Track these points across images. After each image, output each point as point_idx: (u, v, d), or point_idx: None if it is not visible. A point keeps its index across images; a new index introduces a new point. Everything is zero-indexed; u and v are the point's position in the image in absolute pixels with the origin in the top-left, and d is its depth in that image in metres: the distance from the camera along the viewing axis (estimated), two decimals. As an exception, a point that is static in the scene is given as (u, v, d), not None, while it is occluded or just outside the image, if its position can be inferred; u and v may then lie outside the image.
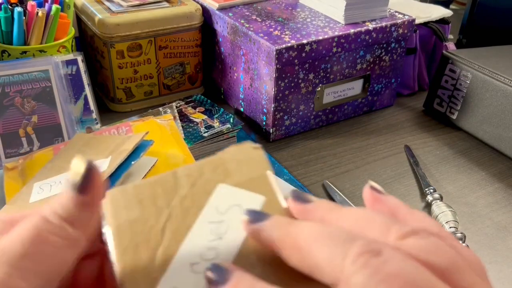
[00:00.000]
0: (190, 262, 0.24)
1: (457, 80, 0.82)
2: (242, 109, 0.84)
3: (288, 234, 0.23)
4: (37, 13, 0.71)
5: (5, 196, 0.58)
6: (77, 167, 0.24)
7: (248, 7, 0.84)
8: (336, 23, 0.78)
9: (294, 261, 0.22)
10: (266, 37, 0.72)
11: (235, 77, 0.83)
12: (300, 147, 0.78)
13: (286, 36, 0.73)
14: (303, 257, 0.22)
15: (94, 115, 0.73)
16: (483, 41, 1.00)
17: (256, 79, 0.77)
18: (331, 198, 0.66)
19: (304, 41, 0.71)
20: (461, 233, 0.59)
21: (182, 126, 0.74)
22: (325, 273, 0.21)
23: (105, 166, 0.54)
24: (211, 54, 0.89)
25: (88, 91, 0.72)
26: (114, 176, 0.54)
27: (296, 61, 0.72)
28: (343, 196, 0.66)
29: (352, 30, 0.75)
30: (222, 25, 0.81)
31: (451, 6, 1.27)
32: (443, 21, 0.92)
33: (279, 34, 0.73)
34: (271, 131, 0.78)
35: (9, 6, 0.72)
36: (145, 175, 0.57)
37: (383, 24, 0.78)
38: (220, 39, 0.84)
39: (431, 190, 0.66)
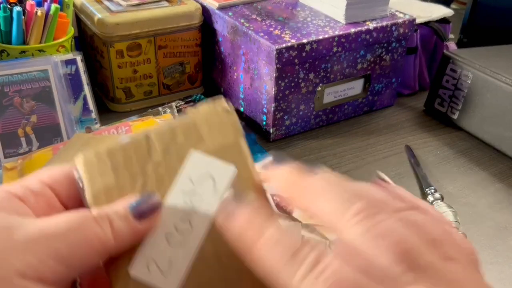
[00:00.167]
0: (165, 232, 0.25)
1: (458, 80, 0.81)
2: (242, 109, 0.84)
3: (300, 183, 0.26)
4: (36, 12, 0.71)
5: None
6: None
7: (248, 6, 0.84)
8: (336, 23, 0.77)
9: (299, 205, 0.26)
10: (266, 37, 0.72)
11: (235, 77, 0.83)
12: (300, 147, 0.78)
13: (286, 36, 0.72)
14: (309, 205, 0.25)
15: (94, 115, 0.73)
16: (484, 40, 0.99)
17: (256, 79, 0.77)
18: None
19: (305, 41, 0.71)
20: (462, 233, 0.59)
21: (182, 126, 0.73)
22: (326, 221, 0.24)
23: None
24: (211, 53, 0.89)
25: (87, 91, 0.72)
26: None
27: (296, 60, 0.72)
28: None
29: (352, 30, 0.75)
30: (222, 25, 0.81)
31: (452, 6, 1.26)
32: (444, 20, 0.92)
33: (279, 33, 0.73)
34: (271, 131, 0.78)
35: (8, 6, 0.71)
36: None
37: (384, 23, 0.78)
38: (220, 39, 0.84)
39: (432, 190, 0.66)
